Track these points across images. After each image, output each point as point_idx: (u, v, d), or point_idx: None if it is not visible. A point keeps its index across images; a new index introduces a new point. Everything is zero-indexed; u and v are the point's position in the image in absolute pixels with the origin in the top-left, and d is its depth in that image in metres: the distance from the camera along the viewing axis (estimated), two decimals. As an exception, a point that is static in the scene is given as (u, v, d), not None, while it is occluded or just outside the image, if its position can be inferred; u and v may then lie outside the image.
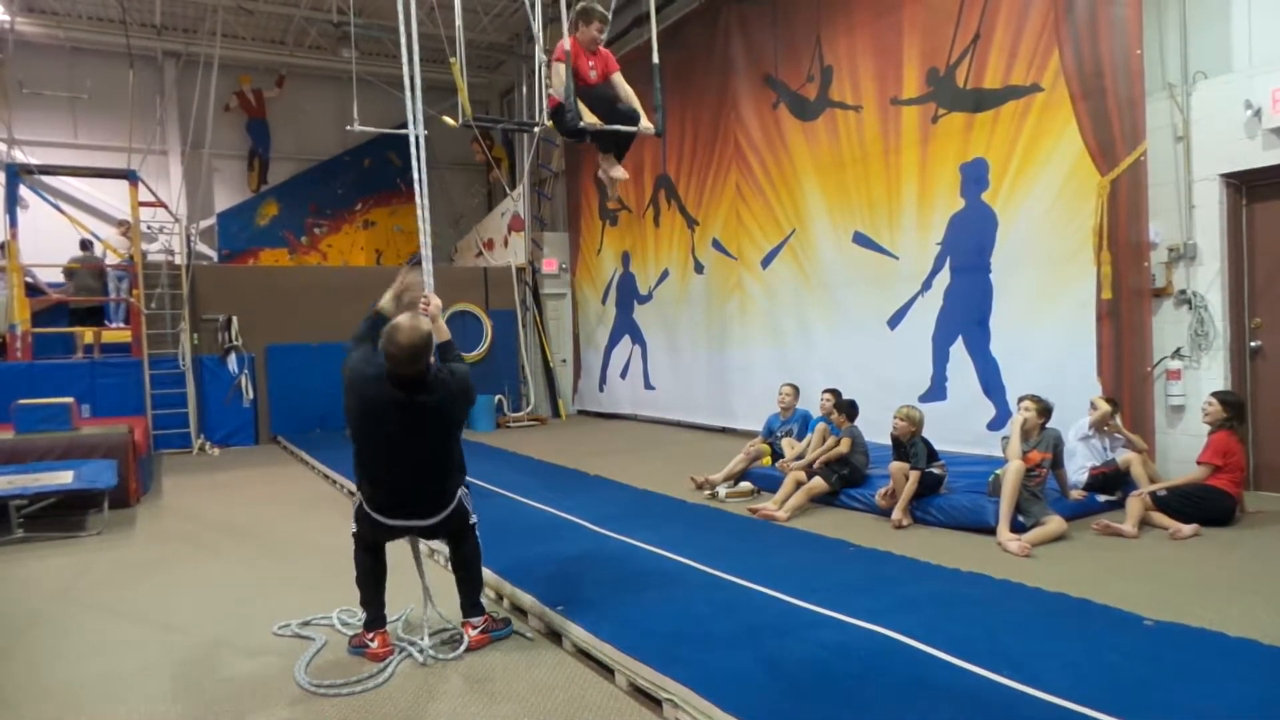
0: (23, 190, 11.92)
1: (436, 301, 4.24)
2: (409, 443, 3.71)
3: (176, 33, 15.19)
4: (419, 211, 4.82)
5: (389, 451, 3.74)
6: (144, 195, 12.23)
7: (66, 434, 7.91)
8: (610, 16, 5.77)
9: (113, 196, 14.47)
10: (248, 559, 6.01)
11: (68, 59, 14.99)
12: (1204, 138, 6.61)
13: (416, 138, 4.86)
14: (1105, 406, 6.29)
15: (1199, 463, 5.70)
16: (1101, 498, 6.20)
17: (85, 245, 12.23)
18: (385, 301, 4.08)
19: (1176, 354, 6.76)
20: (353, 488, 8.21)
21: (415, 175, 4.76)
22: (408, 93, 4.85)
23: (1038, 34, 7.39)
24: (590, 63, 5.65)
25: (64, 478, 6.95)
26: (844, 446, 6.74)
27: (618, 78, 5.73)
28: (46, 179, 13.23)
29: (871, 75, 9.08)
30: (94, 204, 14.92)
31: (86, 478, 6.98)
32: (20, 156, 13.14)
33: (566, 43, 5.36)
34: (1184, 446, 6.78)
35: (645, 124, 5.69)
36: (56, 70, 14.93)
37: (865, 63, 9.15)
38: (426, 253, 4.86)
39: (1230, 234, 6.65)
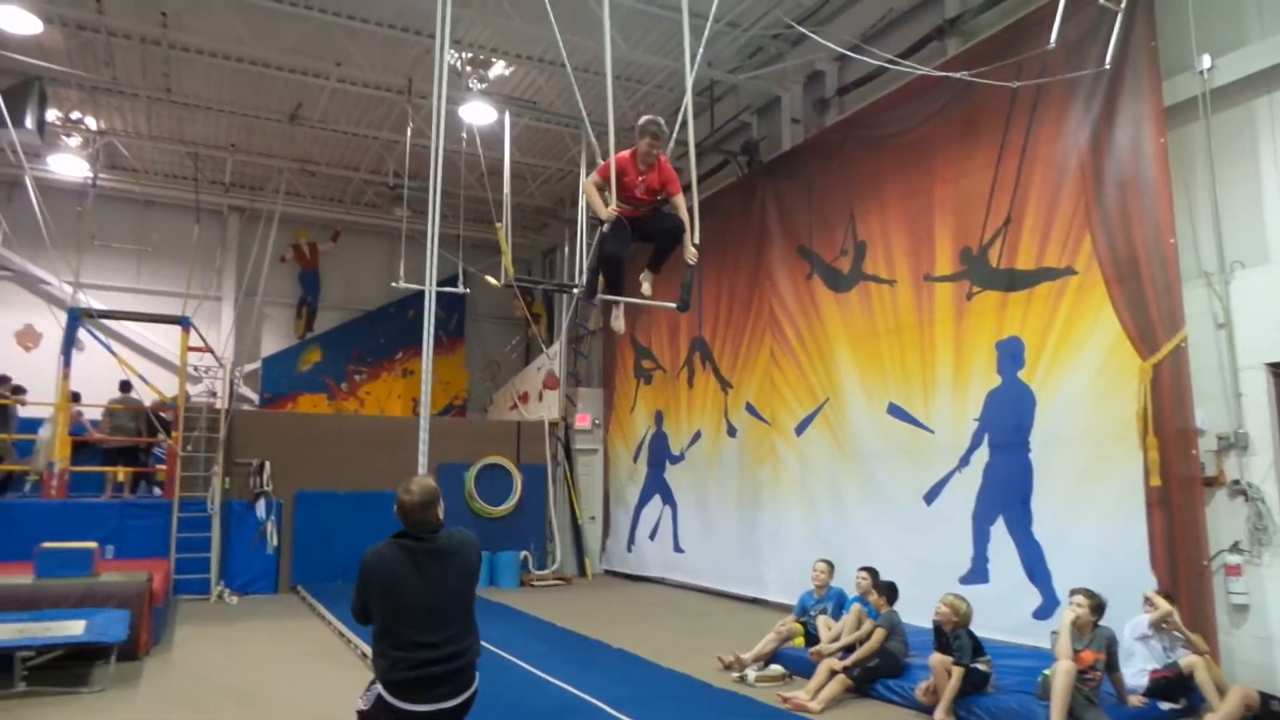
0: (80, 332, 12.35)
1: None
2: (431, 590, 3.63)
3: (243, 190, 16.18)
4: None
5: (415, 607, 3.60)
6: (194, 340, 12.62)
7: (84, 580, 7.81)
8: (662, 130, 5.63)
9: (165, 339, 14.98)
10: (248, 730, 5.71)
11: (139, 212, 15.99)
12: (1246, 326, 6.53)
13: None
14: (1165, 605, 5.89)
15: None
16: (1164, 705, 5.72)
17: (125, 387, 12.51)
18: None
19: (1235, 548, 6.41)
20: (366, 649, 7.94)
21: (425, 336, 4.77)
22: (430, 249, 4.96)
23: (1069, 220, 7.52)
24: (640, 179, 5.61)
25: (75, 629, 6.79)
26: (876, 640, 6.39)
27: (678, 199, 5.79)
28: (105, 321, 13.76)
29: (905, 251, 9.26)
30: (147, 345, 15.48)
31: (97, 630, 6.81)
32: (83, 300, 13.74)
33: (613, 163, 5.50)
34: (1249, 649, 6.32)
35: (690, 251, 5.72)
36: (127, 221, 15.90)
37: (898, 239, 9.36)
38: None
39: (1283, 424, 6.45)
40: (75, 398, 11.63)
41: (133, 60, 11.65)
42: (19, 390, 12.14)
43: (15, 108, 10.85)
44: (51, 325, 13.69)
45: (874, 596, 6.78)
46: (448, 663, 3.59)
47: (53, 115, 12.61)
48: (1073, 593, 5.65)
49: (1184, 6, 6.97)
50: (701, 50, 6.67)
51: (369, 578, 3.65)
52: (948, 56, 8.93)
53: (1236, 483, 6.48)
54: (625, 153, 5.67)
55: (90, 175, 14.22)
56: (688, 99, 5.95)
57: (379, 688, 3.59)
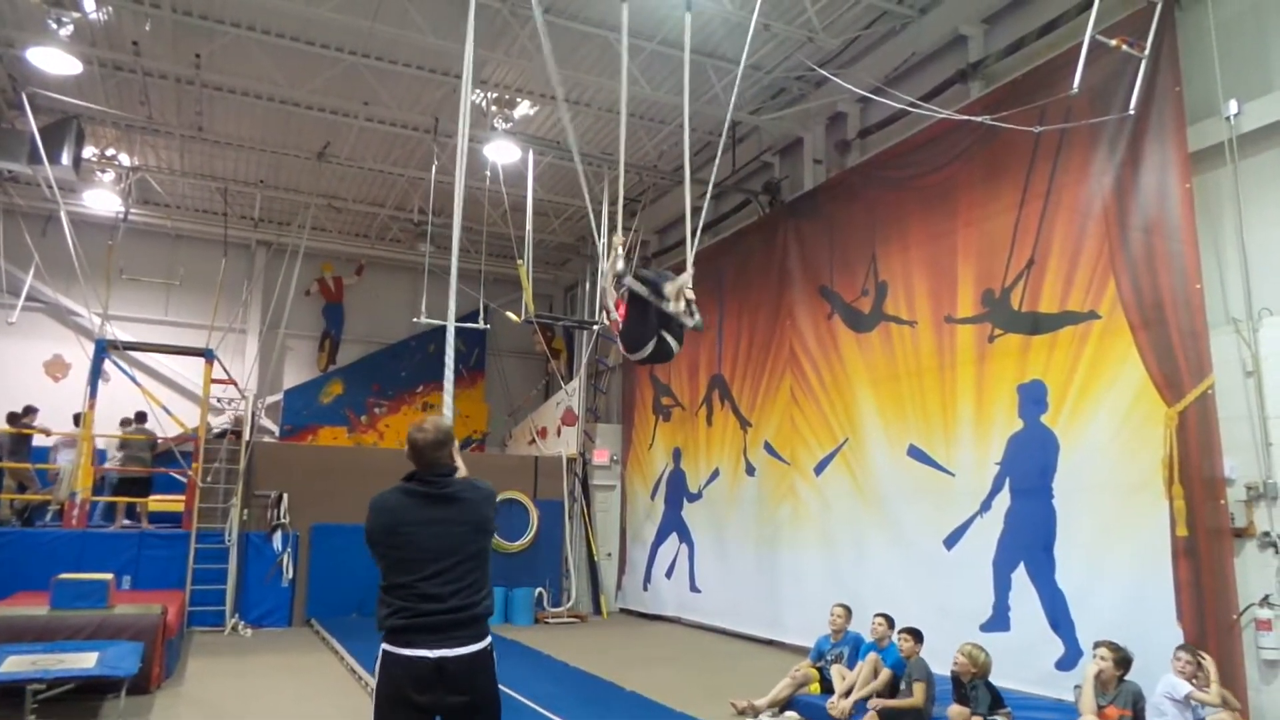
0: (106, 363, 12.51)
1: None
2: (437, 538, 3.46)
3: (271, 224, 16.45)
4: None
5: (420, 552, 3.43)
6: (217, 372, 12.74)
7: (99, 612, 7.82)
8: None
9: (189, 370, 15.15)
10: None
11: (169, 245, 16.29)
12: (1275, 374, 6.40)
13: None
14: (1212, 674, 5.61)
15: None
16: (1193, 765, 5.53)
17: (140, 417, 12.63)
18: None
19: (1265, 602, 6.22)
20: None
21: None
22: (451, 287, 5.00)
23: (1093, 264, 7.45)
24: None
25: (87, 661, 6.78)
26: (918, 697, 6.21)
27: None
28: (130, 353, 13.94)
29: (926, 293, 9.21)
30: (171, 376, 15.67)
31: (109, 663, 6.78)
32: (111, 332, 13.93)
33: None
34: (1283, 707, 6.11)
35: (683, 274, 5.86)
36: (157, 255, 16.18)
37: (920, 281, 9.31)
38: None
39: (1314, 474, 6.28)
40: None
41: (167, 99, 11.95)
42: (19, 417, 12.17)
43: (53, 145, 11.11)
44: (80, 356, 13.93)
45: (906, 643, 6.62)
46: (452, 614, 3.41)
47: (89, 152, 12.90)
48: (1096, 645, 5.51)
49: (1209, 52, 6.95)
50: (723, 91, 6.73)
51: (373, 525, 3.50)
52: (970, 100, 8.94)
53: (1267, 534, 6.31)
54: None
55: (122, 210, 14.52)
56: (684, 139, 5.99)
57: (382, 645, 3.43)
